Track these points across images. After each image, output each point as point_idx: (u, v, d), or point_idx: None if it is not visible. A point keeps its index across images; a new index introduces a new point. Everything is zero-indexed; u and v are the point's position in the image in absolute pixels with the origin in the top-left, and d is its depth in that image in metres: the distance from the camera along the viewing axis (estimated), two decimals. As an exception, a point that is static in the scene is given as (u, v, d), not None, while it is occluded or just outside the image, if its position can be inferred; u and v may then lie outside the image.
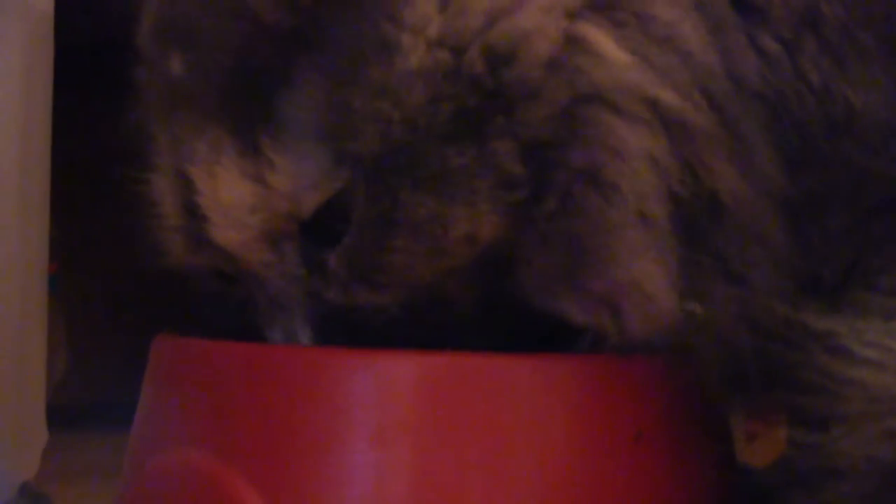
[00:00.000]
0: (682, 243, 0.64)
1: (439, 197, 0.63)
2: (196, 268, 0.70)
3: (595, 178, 0.63)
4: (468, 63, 0.63)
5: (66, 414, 1.12)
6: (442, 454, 0.61)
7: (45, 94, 1.02)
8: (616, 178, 0.63)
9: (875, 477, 0.59)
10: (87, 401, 1.38)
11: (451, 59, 0.63)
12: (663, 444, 0.65)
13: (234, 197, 0.65)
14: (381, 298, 0.65)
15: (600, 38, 0.63)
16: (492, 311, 0.67)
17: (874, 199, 0.65)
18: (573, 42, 0.63)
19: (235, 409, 0.64)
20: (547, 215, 0.64)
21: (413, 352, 0.64)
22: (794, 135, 0.64)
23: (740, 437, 0.75)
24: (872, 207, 0.65)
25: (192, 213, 0.67)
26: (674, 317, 0.64)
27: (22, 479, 1.01)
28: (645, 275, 0.63)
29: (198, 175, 0.66)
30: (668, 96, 0.63)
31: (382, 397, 0.62)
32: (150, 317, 0.93)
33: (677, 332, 0.64)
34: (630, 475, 0.64)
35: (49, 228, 1.05)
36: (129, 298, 1.46)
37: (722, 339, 0.65)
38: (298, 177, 0.64)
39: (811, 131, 0.64)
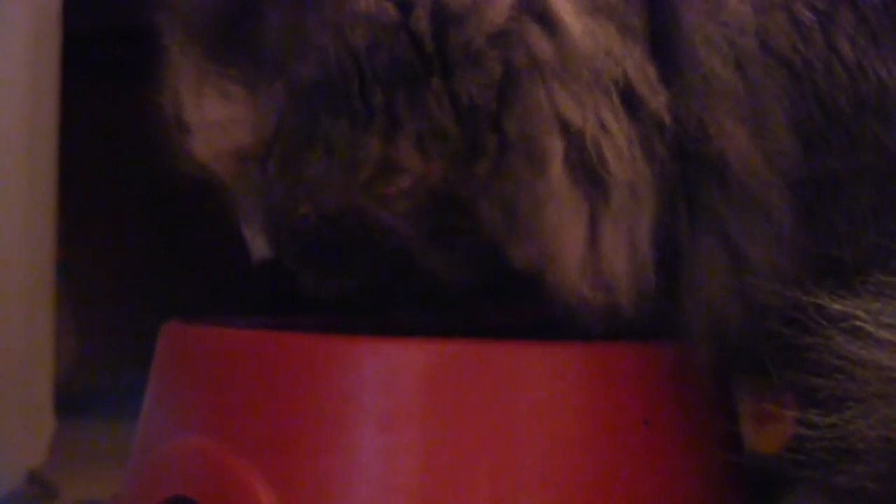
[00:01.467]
0: (667, 208, 0.65)
1: (353, 125, 0.65)
2: (185, 176, 0.74)
3: (526, 149, 0.64)
4: (414, 20, 0.65)
5: (73, 401, 1.12)
6: (450, 440, 0.61)
7: (52, 80, 1.02)
8: (547, 150, 0.64)
9: (890, 458, 0.58)
10: (95, 388, 1.38)
11: (394, 14, 0.65)
12: (671, 431, 0.65)
13: (210, 114, 0.70)
14: (305, 209, 0.68)
15: (562, 6, 0.64)
16: (452, 254, 0.69)
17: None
18: (528, 12, 0.64)
19: (243, 395, 0.64)
20: (481, 175, 0.66)
21: (421, 339, 0.64)
22: (819, 110, 0.63)
23: (748, 423, 0.75)
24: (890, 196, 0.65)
25: (179, 124, 0.72)
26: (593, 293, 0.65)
27: (30, 467, 1.01)
28: (567, 251, 0.65)
29: (185, 91, 0.71)
30: (633, 65, 0.64)
31: (390, 384, 0.62)
32: (159, 303, 0.93)
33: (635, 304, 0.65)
34: (638, 461, 0.64)
35: (57, 214, 1.05)
36: (137, 285, 1.46)
37: (712, 310, 0.65)
38: (263, 100, 0.68)
39: (838, 108, 0.63)
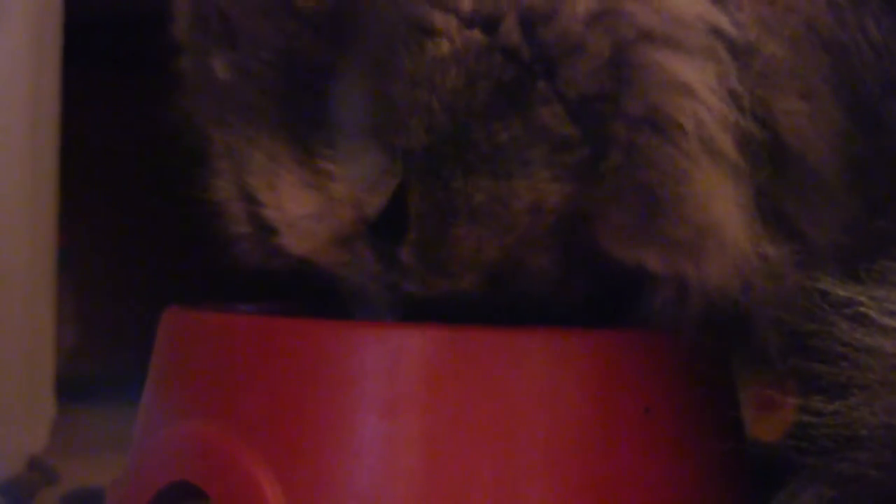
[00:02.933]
0: (753, 183, 0.62)
1: (493, 176, 0.62)
2: (274, 271, 0.70)
3: (656, 123, 0.62)
4: (503, 35, 0.62)
5: (74, 387, 1.12)
6: (452, 427, 0.61)
7: (53, 69, 1.02)
8: (678, 116, 0.61)
9: (894, 446, 0.58)
10: (96, 374, 1.38)
11: (483, 38, 0.62)
12: (673, 418, 0.65)
13: (298, 208, 0.65)
14: (458, 284, 0.65)
15: None
16: (574, 273, 0.66)
17: None
18: None
19: (245, 381, 0.64)
20: (613, 170, 0.63)
21: (423, 324, 0.64)
22: (851, 92, 0.63)
23: (750, 410, 0.75)
24: None
25: (259, 223, 0.67)
26: (750, 262, 0.62)
27: (30, 453, 1.01)
28: (723, 216, 0.62)
29: (259, 187, 0.66)
30: (730, 25, 0.61)
31: (393, 370, 0.62)
32: (159, 289, 0.93)
33: (750, 282, 0.63)
34: (639, 449, 0.64)
35: (58, 201, 1.05)
36: (138, 271, 1.46)
37: (779, 300, 0.64)
38: (357, 181, 0.64)
39: (867, 90, 0.63)
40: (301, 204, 0.65)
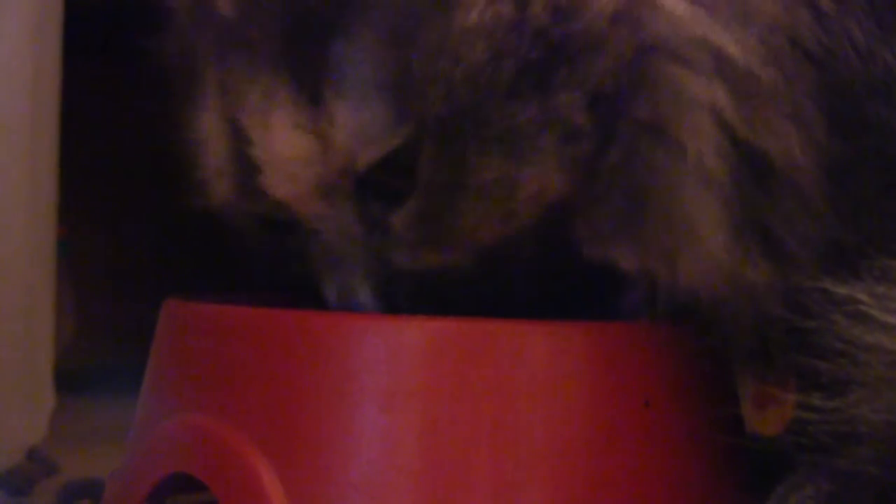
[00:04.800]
0: (737, 202, 0.63)
1: (507, 157, 0.62)
2: (243, 213, 0.69)
3: (659, 132, 0.62)
4: (532, 15, 0.62)
5: (73, 378, 1.12)
6: (451, 420, 0.61)
7: (54, 57, 1.02)
8: (680, 131, 0.62)
9: (893, 442, 0.58)
10: (95, 365, 1.38)
11: (513, 12, 0.62)
12: (672, 411, 0.65)
13: (288, 149, 0.64)
14: (447, 261, 0.65)
15: None
16: (547, 266, 0.66)
17: None
18: None
19: (244, 373, 0.64)
20: (611, 167, 0.63)
21: (422, 317, 0.64)
22: (839, 97, 0.63)
23: (749, 405, 0.75)
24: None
25: (243, 160, 0.66)
26: (726, 275, 0.63)
27: (29, 444, 1.01)
28: (705, 228, 0.63)
29: (250, 124, 0.65)
30: (732, 47, 0.62)
31: (392, 363, 0.62)
32: (159, 281, 0.93)
33: (724, 294, 0.63)
34: (639, 442, 0.64)
35: (58, 192, 1.05)
36: (137, 262, 1.46)
37: (757, 311, 0.64)
38: (357, 131, 0.63)
39: (854, 93, 0.63)
40: (291, 145, 0.64)
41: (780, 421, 0.71)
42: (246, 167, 0.66)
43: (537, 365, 0.62)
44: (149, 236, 1.43)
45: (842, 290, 0.60)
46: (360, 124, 0.63)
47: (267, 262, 0.73)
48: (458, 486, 0.60)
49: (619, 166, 0.63)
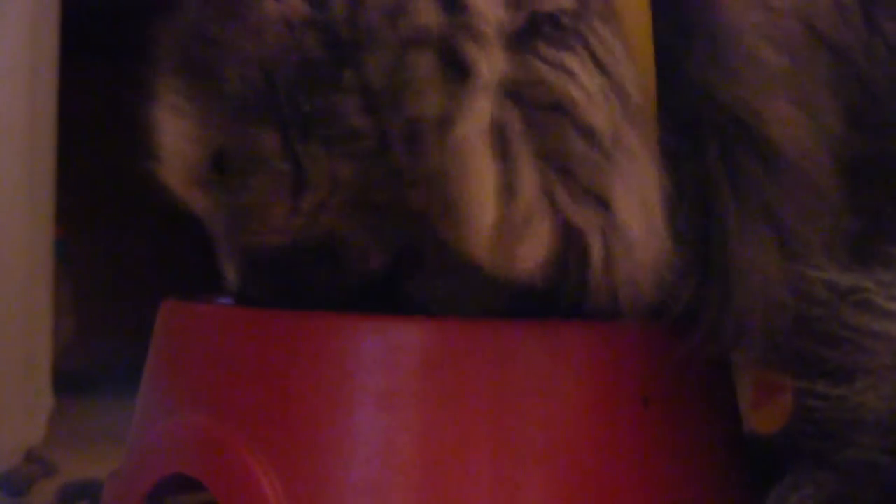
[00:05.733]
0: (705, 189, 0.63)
1: (299, 139, 0.63)
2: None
3: (441, 123, 0.62)
4: (329, 9, 0.63)
5: (72, 379, 1.12)
6: (449, 419, 0.61)
7: (51, 57, 1.02)
8: (454, 120, 0.61)
9: None
10: (94, 366, 1.38)
11: (305, 9, 0.63)
12: (670, 409, 0.65)
13: (167, 139, 0.67)
14: (268, 240, 0.65)
15: None
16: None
17: None
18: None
19: (243, 374, 0.64)
20: (399, 164, 0.63)
21: (420, 317, 0.64)
22: (859, 91, 0.63)
23: (747, 403, 0.75)
24: None
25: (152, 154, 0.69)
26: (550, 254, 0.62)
27: (28, 445, 1.01)
28: (475, 204, 0.62)
29: (159, 118, 0.68)
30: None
31: (389, 362, 0.62)
32: (157, 281, 0.93)
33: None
34: (637, 441, 0.64)
35: (55, 192, 1.05)
36: (136, 264, 1.46)
37: (766, 297, 0.64)
38: (201, 120, 0.66)
39: (877, 87, 0.63)
40: (168, 136, 0.67)
41: (779, 418, 0.71)
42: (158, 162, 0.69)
43: (536, 364, 0.62)
44: (147, 236, 1.43)
45: (847, 280, 0.60)
46: (202, 113, 0.66)
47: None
48: (456, 484, 0.61)
49: (408, 162, 0.62)
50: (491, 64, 0.61)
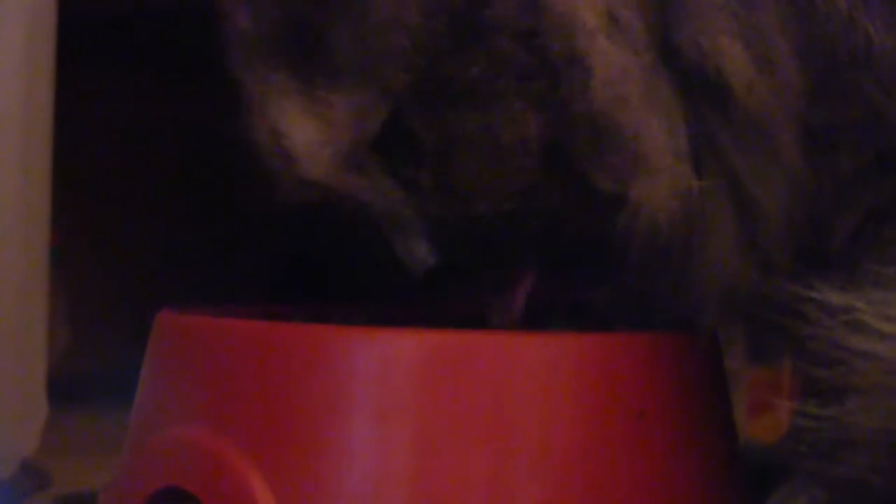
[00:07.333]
0: (688, 120, 0.64)
1: (475, 109, 0.65)
2: (309, 203, 0.73)
3: (576, 61, 0.64)
4: None
5: (67, 389, 1.12)
6: (445, 432, 0.61)
7: (47, 66, 1.02)
8: (588, 55, 0.63)
9: (891, 451, 0.58)
10: (89, 375, 1.38)
11: None
12: (667, 421, 0.65)
13: (303, 134, 0.68)
14: (474, 209, 0.67)
15: None
16: (571, 204, 0.67)
17: (884, 145, 0.64)
18: None
19: (237, 385, 0.64)
20: (562, 101, 0.64)
21: (415, 329, 0.64)
22: (821, 54, 0.63)
23: (745, 412, 0.75)
24: (881, 154, 0.64)
25: (283, 154, 0.70)
26: (685, 194, 0.64)
27: (23, 455, 1.01)
28: (651, 147, 0.63)
29: (277, 120, 0.69)
30: None
31: (384, 374, 0.62)
32: (153, 290, 0.93)
33: (688, 218, 0.64)
34: (634, 453, 0.64)
35: (51, 201, 1.05)
36: (131, 272, 1.46)
37: (723, 266, 0.65)
38: (350, 110, 0.67)
39: (836, 56, 0.63)
40: (305, 130, 0.68)
41: (776, 429, 0.71)
42: (287, 159, 0.70)
43: (531, 376, 0.62)
44: (143, 245, 1.43)
45: (838, 299, 0.60)
46: (350, 102, 0.67)
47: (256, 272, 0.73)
48: (452, 497, 0.60)
49: (567, 98, 0.64)
50: None
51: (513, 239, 0.68)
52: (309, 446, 0.61)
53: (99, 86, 1.32)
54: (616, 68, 0.63)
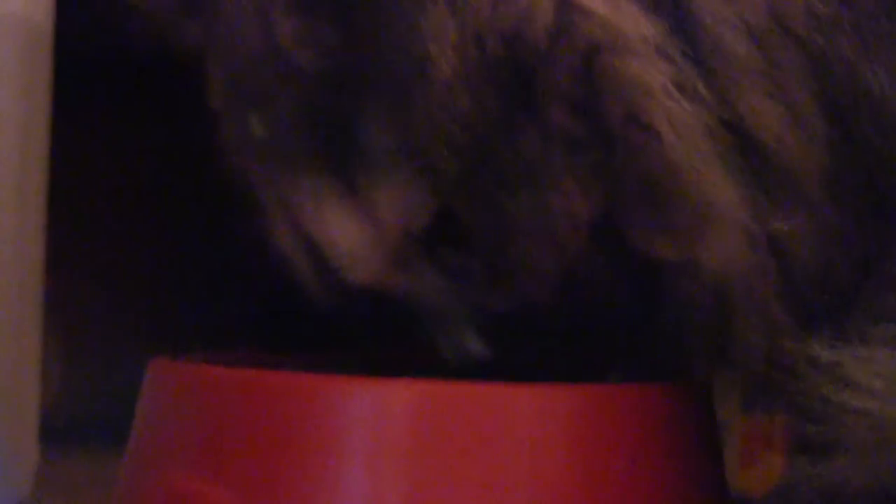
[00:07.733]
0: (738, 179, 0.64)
1: (527, 188, 0.64)
2: (349, 305, 0.72)
3: (637, 121, 0.63)
4: (491, 50, 0.63)
5: (59, 431, 1.12)
6: (437, 481, 0.61)
7: (43, 108, 1.02)
8: (652, 116, 0.63)
9: None
10: (82, 418, 1.38)
11: (476, 53, 0.63)
12: (658, 471, 0.65)
13: (350, 239, 0.68)
14: (526, 296, 0.67)
15: None
16: (619, 276, 0.67)
17: (884, 189, 0.64)
18: (562, 6, 0.63)
19: (230, 433, 0.64)
20: (619, 167, 0.64)
21: (408, 379, 0.64)
22: (832, 101, 0.63)
23: (736, 464, 0.74)
24: (881, 200, 0.65)
25: (323, 264, 0.69)
26: (753, 245, 0.63)
27: (14, 498, 1.01)
28: (719, 199, 0.63)
29: (312, 229, 0.68)
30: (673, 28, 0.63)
31: (377, 424, 0.62)
32: (147, 332, 0.93)
33: (753, 268, 0.64)
34: (625, 501, 0.63)
35: (46, 241, 1.05)
36: (125, 313, 1.45)
37: (759, 311, 0.65)
38: (399, 205, 0.66)
39: (844, 99, 0.63)
40: (352, 234, 0.67)
41: (767, 482, 0.71)
42: (328, 269, 0.69)
43: (524, 427, 0.62)
44: (138, 287, 1.43)
45: (827, 355, 0.60)
46: (397, 198, 0.66)
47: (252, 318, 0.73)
48: (443, 545, 0.60)
49: (625, 162, 0.64)
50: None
51: (562, 325, 0.68)
52: (300, 496, 0.61)
53: (95, 126, 1.33)
54: (682, 127, 0.63)
